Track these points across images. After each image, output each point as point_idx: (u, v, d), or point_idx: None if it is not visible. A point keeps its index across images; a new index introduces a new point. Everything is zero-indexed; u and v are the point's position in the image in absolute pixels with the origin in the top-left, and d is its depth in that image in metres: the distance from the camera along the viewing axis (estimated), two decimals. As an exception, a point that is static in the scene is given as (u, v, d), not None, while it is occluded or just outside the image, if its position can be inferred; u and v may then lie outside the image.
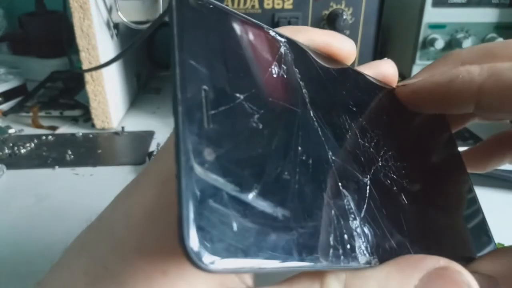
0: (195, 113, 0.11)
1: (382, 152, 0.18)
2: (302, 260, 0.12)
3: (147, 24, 0.47)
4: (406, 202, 0.17)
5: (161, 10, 0.47)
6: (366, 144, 0.17)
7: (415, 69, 0.57)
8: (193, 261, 0.10)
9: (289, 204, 0.12)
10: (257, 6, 0.47)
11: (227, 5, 0.46)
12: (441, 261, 0.14)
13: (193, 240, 0.10)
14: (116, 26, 0.51)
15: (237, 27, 0.14)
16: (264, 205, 0.12)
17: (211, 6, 0.13)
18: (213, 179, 0.11)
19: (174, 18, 0.12)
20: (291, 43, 0.16)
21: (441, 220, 0.19)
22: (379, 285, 0.13)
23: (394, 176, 0.18)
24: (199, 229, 0.10)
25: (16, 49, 0.70)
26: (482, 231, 0.21)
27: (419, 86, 0.20)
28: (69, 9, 0.45)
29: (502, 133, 0.24)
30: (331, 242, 0.13)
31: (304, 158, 0.14)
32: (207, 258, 0.10)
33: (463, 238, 0.20)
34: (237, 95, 0.13)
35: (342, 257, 0.13)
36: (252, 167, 0.12)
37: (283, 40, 0.16)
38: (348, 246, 0.13)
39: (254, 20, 0.15)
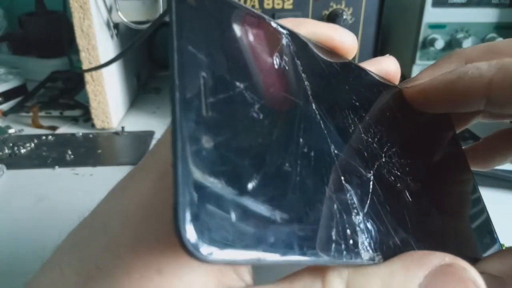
0: (193, 100, 0.11)
1: (385, 148, 0.17)
2: (303, 254, 0.12)
3: (147, 24, 0.47)
4: (410, 199, 0.17)
5: (161, 10, 0.47)
6: (369, 139, 0.17)
7: (415, 69, 0.57)
8: (190, 252, 0.09)
9: (290, 196, 0.12)
10: (257, 6, 0.47)
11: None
12: (447, 258, 0.14)
13: (190, 230, 0.09)
14: (116, 26, 0.51)
15: (238, 17, 0.14)
16: (264, 196, 0.11)
17: None
18: (211, 167, 0.10)
19: (173, 4, 0.11)
20: (293, 35, 0.16)
21: (445, 219, 0.19)
22: (383, 283, 0.13)
23: (398, 173, 0.17)
24: (196, 219, 0.10)
25: (16, 49, 0.70)
26: (487, 231, 0.21)
27: (427, 85, 0.20)
28: (69, 9, 0.45)
29: (504, 130, 0.24)
30: (334, 237, 0.13)
31: (305, 150, 0.13)
32: (205, 249, 0.09)
33: (467, 238, 0.19)
34: (237, 84, 0.12)
35: (344, 252, 0.13)
36: (251, 157, 0.12)
37: (285, 32, 0.15)
38: (351, 242, 0.13)
39: (256, 11, 0.15)
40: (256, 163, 0.12)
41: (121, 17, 0.48)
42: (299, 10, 0.48)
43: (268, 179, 0.12)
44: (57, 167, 0.42)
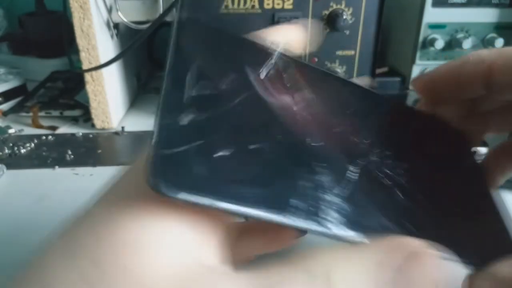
0: (179, 85, 0.14)
1: (378, 150, 0.18)
2: (255, 207, 0.13)
3: (147, 24, 0.47)
4: (402, 197, 0.18)
5: (161, 10, 0.47)
6: (355, 139, 0.18)
7: (415, 69, 0.57)
8: (154, 185, 0.11)
9: (254, 165, 0.14)
10: (257, 6, 0.47)
11: (226, 5, 0.46)
12: (419, 243, 0.14)
13: (157, 165, 0.12)
14: (116, 26, 0.51)
15: (233, 40, 0.16)
16: (229, 161, 0.13)
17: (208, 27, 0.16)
18: (186, 132, 0.13)
19: (175, 23, 0.15)
20: (284, 56, 0.18)
21: (450, 222, 0.19)
22: (358, 262, 0.13)
23: (389, 172, 0.18)
24: (164, 159, 0.12)
25: (16, 49, 0.70)
26: (501, 239, 0.20)
27: (434, 74, 0.22)
28: (69, 9, 0.45)
29: (500, 146, 0.24)
30: (292, 201, 0.14)
31: (279, 137, 0.15)
32: (167, 188, 0.11)
33: (474, 241, 0.19)
34: (221, 84, 0.15)
35: (303, 215, 0.14)
36: (225, 135, 0.14)
37: (276, 52, 0.17)
38: (311, 208, 0.14)
39: (249, 38, 0.17)
40: (228, 139, 0.14)
41: (121, 17, 0.48)
42: (299, 10, 0.47)
43: (237, 153, 0.14)
44: (57, 167, 0.42)
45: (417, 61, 0.57)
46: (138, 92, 0.62)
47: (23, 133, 0.50)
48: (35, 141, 0.47)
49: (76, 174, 0.41)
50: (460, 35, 0.55)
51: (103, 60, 0.46)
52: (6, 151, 0.45)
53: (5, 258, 0.30)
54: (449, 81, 0.21)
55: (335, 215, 0.14)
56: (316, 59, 0.50)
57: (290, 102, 0.17)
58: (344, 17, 0.47)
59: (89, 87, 0.47)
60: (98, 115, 0.49)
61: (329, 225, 0.14)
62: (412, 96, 0.58)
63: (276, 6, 0.47)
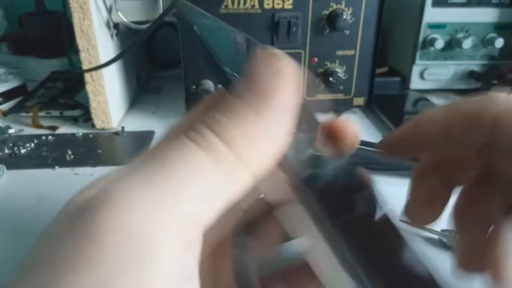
0: None
1: None
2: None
3: (147, 24, 0.47)
4: None
5: (161, 10, 0.47)
6: None
7: (415, 69, 0.57)
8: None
9: None
10: (257, 6, 0.47)
11: (226, 5, 0.46)
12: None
13: None
14: (116, 26, 0.51)
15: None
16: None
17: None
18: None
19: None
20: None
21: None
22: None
23: None
24: None
25: (16, 49, 0.70)
26: None
27: (392, 137, 0.23)
28: (69, 9, 0.45)
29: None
30: None
31: None
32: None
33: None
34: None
35: None
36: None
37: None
38: None
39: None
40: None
41: (121, 17, 0.48)
42: (299, 10, 0.48)
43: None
44: (57, 167, 0.42)
45: (417, 61, 0.57)
46: (138, 92, 0.62)
47: (23, 133, 0.50)
48: (35, 141, 0.47)
49: (76, 174, 0.41)
50: (460, 35, 0.55)
51: (103, 60, 0.46)
52: (6, 151, 0.45)
53: (5, 258, 0.30)
54: (407, 143, 0.22)
55: None
56: (316, 59, 0.50)
57: None
58: (344, 17, 0.47)
59: (89, 87, 0.48)
60: (98, 115, 0.49)
61: None
62: (412, 96, 0.58)
63: (276, 6, 0.47)
